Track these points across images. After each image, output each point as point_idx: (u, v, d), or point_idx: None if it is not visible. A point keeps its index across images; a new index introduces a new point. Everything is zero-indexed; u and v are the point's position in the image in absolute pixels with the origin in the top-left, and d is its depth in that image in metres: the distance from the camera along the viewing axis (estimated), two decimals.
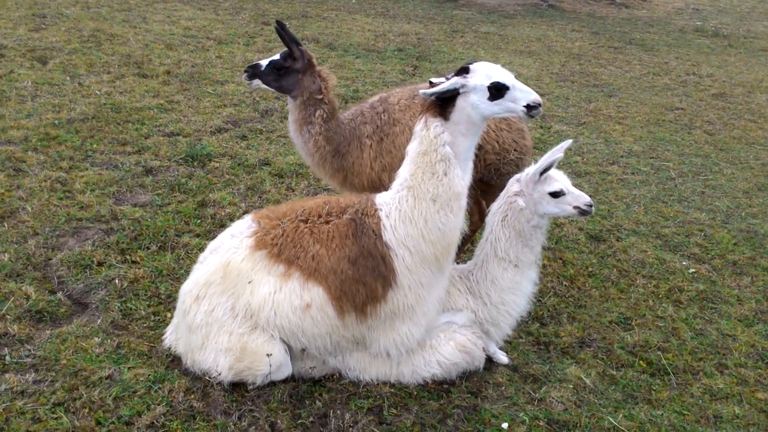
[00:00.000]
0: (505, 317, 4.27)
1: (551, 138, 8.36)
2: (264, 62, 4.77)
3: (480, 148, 4.79)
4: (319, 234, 3.82)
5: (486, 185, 5.06)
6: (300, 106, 4.78)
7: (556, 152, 4.03)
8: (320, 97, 4.73)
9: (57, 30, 10.80)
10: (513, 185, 4.18)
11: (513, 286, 4.21)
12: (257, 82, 4.80)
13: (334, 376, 4.08)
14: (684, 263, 5.79)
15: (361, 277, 3.76)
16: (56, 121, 7.29)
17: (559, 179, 4.10)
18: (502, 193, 4.25)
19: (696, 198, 7.12)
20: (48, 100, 7.89)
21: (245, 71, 4.82)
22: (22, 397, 3.69)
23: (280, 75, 4.74)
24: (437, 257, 3.81)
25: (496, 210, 4.23)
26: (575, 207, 4.06)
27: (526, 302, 4.32)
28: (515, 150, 5.01)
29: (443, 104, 3.60)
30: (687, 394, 4.26)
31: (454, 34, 13.84)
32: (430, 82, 3.72)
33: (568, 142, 4.09)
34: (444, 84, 3.53)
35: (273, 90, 4.85)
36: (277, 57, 4.76)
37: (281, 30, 4.71)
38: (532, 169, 4.11)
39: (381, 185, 4.80)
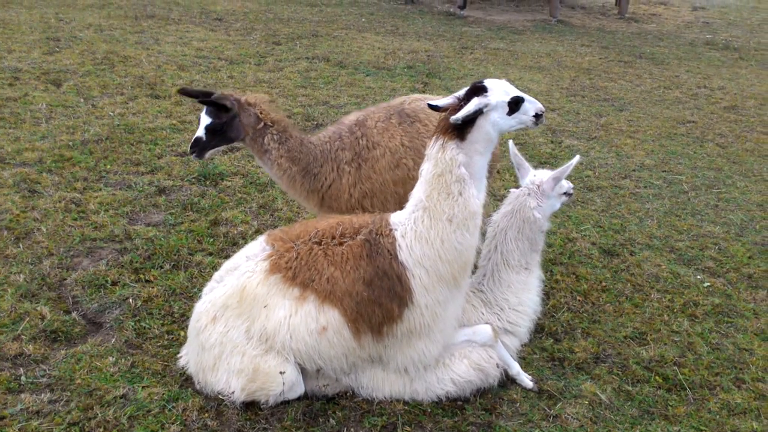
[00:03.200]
0: (524, 319, 4.34)
1: (562, 152, 8.35)
2: (200, 132, 4.58)
3: None
4: (333, 256, 3.82)
5: None
6: (251, 143, 4.70)
7: (567, 168, 4.27)
8: (261, 126, 4.64)
9: (71, 53, 10.94)
10: (527, 200, 4.25)
11: (526, 288, 4.36)
12: (208, 153, 4.66)
13: (348, 394, 4.07)
14: (699, 277, 5.75)
15: (377, 298, 3.75)
16: (70, 143, 7.37)
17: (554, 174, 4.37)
18: (510, 209, 4.30)
19: (710, 211, 7.08)
20: (62, 122, 7.98)
21: (191, 152, 4.63)
22: (37, 417, 3.71)
23: (222, 132, 4.60)
24: (454, 276, 3.81)
25: (506, 225, 4.28)
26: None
27: (539, 300, 4.45)
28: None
29: (461, 125, 3.61)
30: (704, 409, 4.21)
31: (464, 51, 13.90)
32: (429, 105, 3.75)
33: (576, 158, 4.32)
34: (468, 107, 3.53)
35: (226, 147, 4.73)
36: (207, 120, 4.56)
37: (189, 95, 4.65)
38: (545, 179, 4.31)
39: (363, 211, 4.75)
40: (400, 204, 4.82)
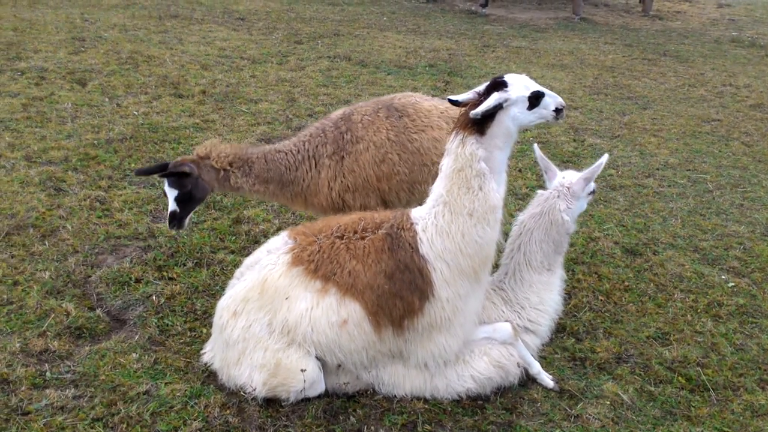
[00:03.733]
0: (545, 318, 4.33)
1: (585, 151, 8.30)
2: (172, 206, 4.60)
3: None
4: (355, 250, 3.84)
5: None
6: (222, 189, 4.77)
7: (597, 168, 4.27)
8: (222, 174, 4.66)
9: (96, 53, 11.07)
10: (557, 202, 4.20)
11: (548, 287, 4.34)
12: (187, 219, 4.73)
13: (368, 392, 4.08)
14: (723, 277, 5.69)
15: (398, 291, 3.77)
16: (95, 142, 7.46)
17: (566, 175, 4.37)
18: (539, 210, 4.26)
19: (734, 210, 7.00)
20: (87, 120, 8.08)
21: (171, 227, 4.68)
22: (62, 412, 3.76)
23: (191, 197, 4.62)
24: (475, 269, 3.82)
25: (533, 226, 4.24)
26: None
27: (560, 299, 4.43)
28: None
29: (481, 120, 3.61)
30: (727, 410, 4.16)
31: (486, 49, 13.85)
32: (449, 100, 3.74)
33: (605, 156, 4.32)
34: (488, 101, 3.54)
35: (199, 205, 4.83)
36: (174, 192, 4.57)
37: (147, 173, 4.73)
38: (574, 181, 4.25)
39: (344, 206, 4.76)
40: (383, 201, 4.77)
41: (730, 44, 16.08)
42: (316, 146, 4.81)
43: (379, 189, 4.80)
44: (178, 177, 4.57)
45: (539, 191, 4.41)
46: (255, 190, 4.79)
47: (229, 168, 4.69)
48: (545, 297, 4.31)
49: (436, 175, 4.79)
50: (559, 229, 4.23)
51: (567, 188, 4.25)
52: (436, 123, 4.92)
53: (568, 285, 5.04)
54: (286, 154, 4.81)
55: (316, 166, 4.78)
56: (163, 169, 4.58)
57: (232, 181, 4.71)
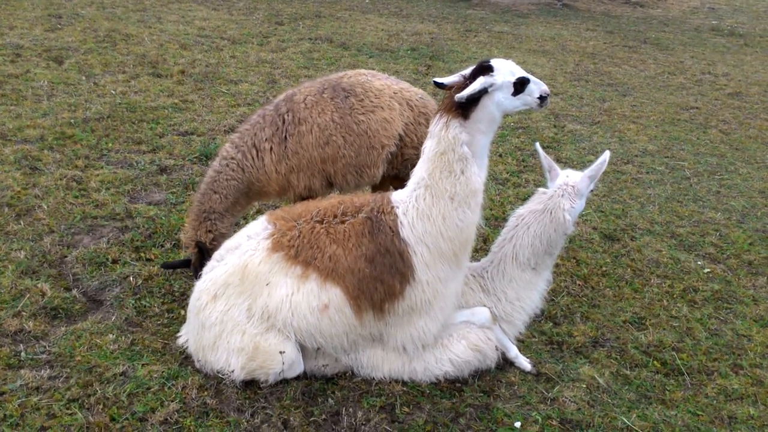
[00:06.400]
0: (520, 313, 4.30)
1: (565, 137, 8.32)
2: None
3: (400, 139, 4.80)
4: (336, 234, 3.82)
5: (400, 182, 4.74)
6: (225, 236, 4.73)
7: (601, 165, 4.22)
8: (210, 242, 4.64)
9: (73, 30, 10.89)
10: (560, 201, 4.12)
11: (529, 286, 4.28)
12: None
13: (347, 374, 4.09)
14: (699, 263, 5.75)
15: (379, 274, 3.76)
16: (72, 120, 7.35)
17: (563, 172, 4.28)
18: (541, 207, 4.16)
19: (711, 197, 7.07)
20: (64, 99, 7.95)
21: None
22: (37, 393, 3.73)
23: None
24: (455, 253, 3.83)
25: (531, 221, 4.16)
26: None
27: (540, 299, 4.37)
28: None
29: (465, 104, 3.59)
30: (701, 394, 4.22)
31: (468, 34, 13.82)
32: (435, 82, 3.71)
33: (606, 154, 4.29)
34: (474, 85, 3.52)
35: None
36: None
37: (173, 266, 4.79)
38: (578, 180, 4.17)
39: (290, 187, 4.68)
40: (330, 183, 4.68)
41: (710, 33, 16.20)
42: (255, 133, 4.65)
43: (324, 171, 4.67)
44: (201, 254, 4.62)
45: (540, 189, 4.33)
46: (237, 214, 4.82)
47: (213, 236, 4.68)
48: (523, 294, 4.27)
49: (386, 158, 4.76)
50: (557, 227, 4.13)
51: (572, 187, 4.19)
52: (387, 104, 4.75)
53: None
54: (228, 164, 4.66)
55: (258, 154, 4.62)
56: (187, 265, 4.69)
57: (224, 233, 4.70)
